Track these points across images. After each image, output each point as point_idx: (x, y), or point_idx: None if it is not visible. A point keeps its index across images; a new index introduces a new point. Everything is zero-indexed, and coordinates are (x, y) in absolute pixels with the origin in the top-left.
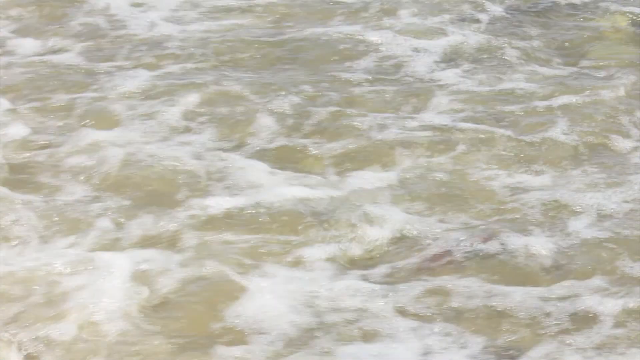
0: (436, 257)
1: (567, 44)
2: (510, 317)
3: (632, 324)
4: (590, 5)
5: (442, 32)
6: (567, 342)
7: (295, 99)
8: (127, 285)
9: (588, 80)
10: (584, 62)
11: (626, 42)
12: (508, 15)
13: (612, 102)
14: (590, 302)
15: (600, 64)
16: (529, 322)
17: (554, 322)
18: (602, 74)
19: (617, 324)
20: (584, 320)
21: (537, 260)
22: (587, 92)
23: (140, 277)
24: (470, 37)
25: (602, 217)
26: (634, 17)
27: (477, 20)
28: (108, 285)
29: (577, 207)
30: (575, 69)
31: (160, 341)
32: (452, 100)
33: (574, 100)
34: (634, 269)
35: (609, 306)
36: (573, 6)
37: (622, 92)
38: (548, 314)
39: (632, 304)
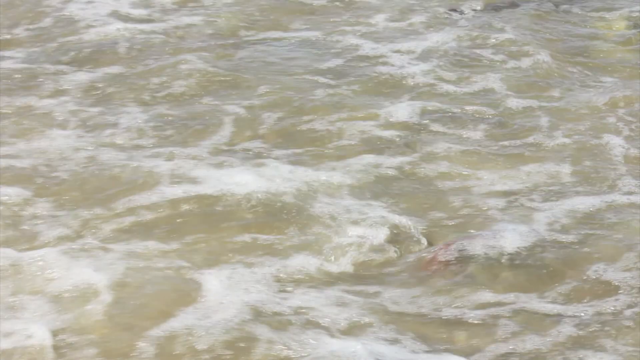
0: (429, 264)
1: (557, 44)
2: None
3: (594, 326)
4: (581, 5)
5: (417, 33)
6: (527, 343)
7: (255, 102)
8: (76, 286)
9: (569, 81)
10: (573, 63)
11: (623, 44)
12: (487, 16)
13: (590, 102)
14: (560, 303)
15: (590, 64)
16: (488, 326)
17: (512, 326)
18: (586, 73)
19: (579, 326)
20: (554, 321)
21: (507, 262)
22: (567, 93)
23: (85, 280)
24: (448, 38)
25: (574, 219)
26: (632, 19)
27: (455, 22)
28: (55, 288)
29: (548, 208)
30: (563, 70)
31: (102, 348)
32: (423, 100)
33: (555, 101)
34: (607, 271)
35: (575, 309)
36: (556, 5)
37: (601, 93)
38: (505, 318)
39: (598, 307)
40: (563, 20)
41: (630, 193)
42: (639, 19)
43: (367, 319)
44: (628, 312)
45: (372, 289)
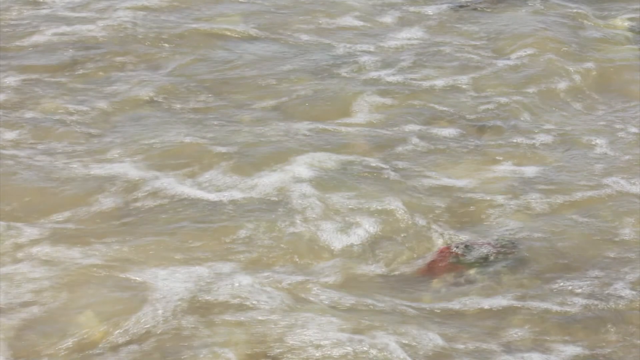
0: (428, 267)
1: (547, 43)
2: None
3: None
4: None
5: (392, 31)
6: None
7: (212, 103)
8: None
9: (558, 80)
10: (566, 62)
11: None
12: (471, 12)
13: (577, 101)
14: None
15: (584, 62)
16: (488, 326)
17: (512, 326)
18: (579, 73)
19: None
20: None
21: (505, 264)
22: (556, 92)
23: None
24: (425, 35)
25: (540, 221)
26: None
27: (434, 19)
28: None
29: (537, 207)
30: (555, 69)
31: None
32: (396, 99)
33: (542, 99)
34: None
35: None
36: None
37: (591, 92)
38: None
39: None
40: (557, 18)
41: (616, 191)
42: (638, 19)
43: (363, 323)
44: None
45: (367, 291)
